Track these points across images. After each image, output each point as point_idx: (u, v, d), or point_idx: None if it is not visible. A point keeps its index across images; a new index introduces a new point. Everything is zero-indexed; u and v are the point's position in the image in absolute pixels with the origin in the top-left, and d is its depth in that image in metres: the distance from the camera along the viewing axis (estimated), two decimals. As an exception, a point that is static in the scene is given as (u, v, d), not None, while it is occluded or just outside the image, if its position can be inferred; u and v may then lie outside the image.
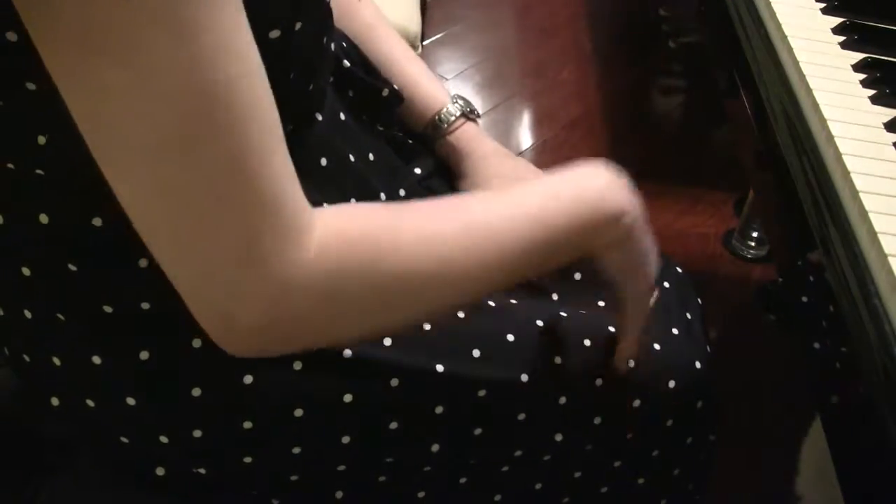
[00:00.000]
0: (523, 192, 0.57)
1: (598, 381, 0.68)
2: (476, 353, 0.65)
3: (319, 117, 0.61)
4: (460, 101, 0.78)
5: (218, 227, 0.44)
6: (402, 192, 0.70)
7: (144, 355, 0.57)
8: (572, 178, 0.58)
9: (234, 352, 0.49)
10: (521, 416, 0.66)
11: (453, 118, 0.77)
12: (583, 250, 0.58)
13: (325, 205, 0.59)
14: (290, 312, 0.47)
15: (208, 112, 0.41)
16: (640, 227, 0.59)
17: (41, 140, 0.48)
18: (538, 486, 0.71)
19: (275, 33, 0.50)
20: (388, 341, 0.62)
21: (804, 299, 0.66)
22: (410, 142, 0.77)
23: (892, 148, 0.67)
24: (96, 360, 0.57)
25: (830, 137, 0.66)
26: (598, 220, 0.57)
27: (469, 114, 0.78)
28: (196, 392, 0.58)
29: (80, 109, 0.41)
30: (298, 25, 0.52)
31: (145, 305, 0.56)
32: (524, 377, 0.66)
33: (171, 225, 0.44)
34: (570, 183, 0.57)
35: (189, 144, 0.42)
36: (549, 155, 1.88)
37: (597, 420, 0.68)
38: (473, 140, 0.77)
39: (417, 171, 0.74)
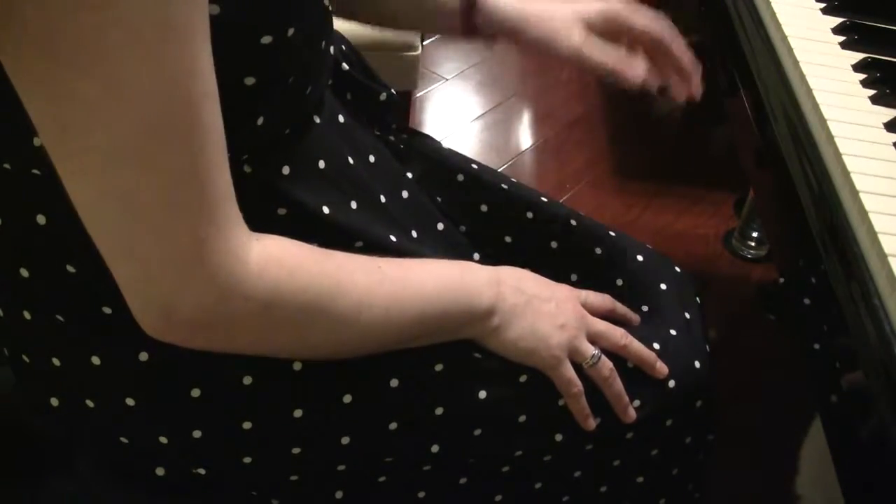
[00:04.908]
0: (428, 270, 0.62)
1: (598, 382, 0.68)
2: (476, 354, 0.65)
3: (317, 120, 0.61)
4: None
5: (169, 230, 0.46)
6: (405, 195, 0.70)
7: (144, 356, 0.57)
8: (463, 271, 0.63)
9: (164, 339, 0.52)
10: (522, 418, 0.66)
11: None
12: (456, 336, 0.63)
13: (324, 208, 0.60)
14: (228, 316, 0.51)
15: (169, 126, 0.44)
16: (507, 324, 0.64)
17: (37, 141, 0.48)
18: (538, 485, 0.71)
19: (266, 39, 0.50)
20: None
21: (804, 300, 0.66)
22: (402, 147, 0.77)
23: (892, 148, 0.66)
24: (95, 360, 0.57)
25: (830, 137, 0.65)
26: (467, 315, 0.62)
27: None
28: (195, 392, 0.58)
29: (42, 112, 0.43)
30: (291, 31, 0.52)
31: (144, 306, 0.56)
32: (524, 378, 0.66)
33: (124, 226, 0.46)
34: (459, 273, 0.63)
35: (148, 154, 0.44)
36: (549, 155, 1.88)
37: (596, 420, 0.68)
38: None
39: (409, 175, 0.74)
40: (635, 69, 0.72)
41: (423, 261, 0.63)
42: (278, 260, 0.52)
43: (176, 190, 0.46)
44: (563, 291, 0.69)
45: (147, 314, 0.50)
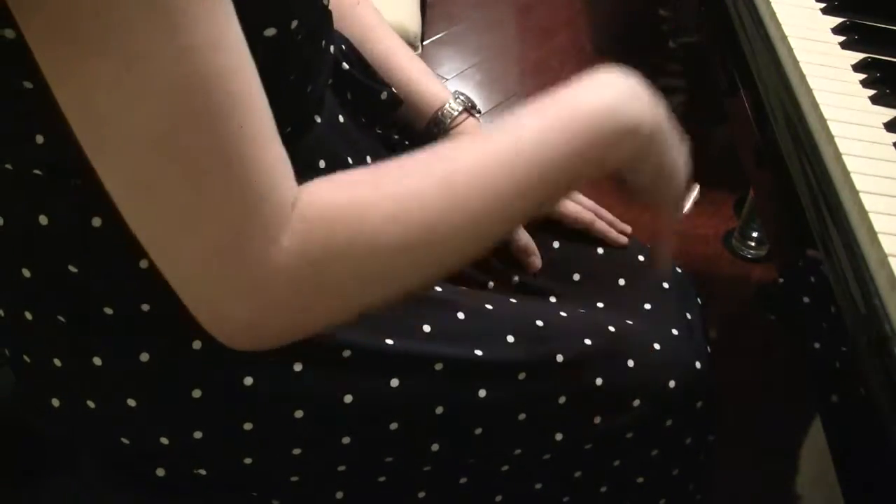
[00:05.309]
0: (516, 129, 0.52)
1: (599, 381, 0.68)
2: (477, 352, 0.65)
3: (318, 119, 0.61)
4: (462, 97, 0.78)
5: (200, 221, 0.44)
6: None
7: (145, 357, 0.57)
8: (578, 95, 0.54)
9: (232, 345, 0.49)
10: (522, 416, 0.66)
11: (456, 113, 0.77)
12: (601, 169, 0.55)
13: None
14: (278, 304, 0.46)
15: (195, 105, 0.41)
16: (661, 134, 0.56)
17: (39, 139, 0.48)
18: (538, 485, 0.71)
19: (270, 31, 0.50)
20: (389, 341, 0.62)
21: (804, 299, 0.66)
22: (407, 143, 0.77)
23: (892, 148, 0.66)
24: (97, 361, 0.57)
25: (830, 137, 0.65)
26: (611, 136, 0.53)
27: (471, 109, 0.78)
28: (196, 393, 0.58)
29: (70, 103, 0.41)
30: (294, 24, 0.52)
31: (145, 307, 0.56)
32: (524, 376, 0.66)
33: (157, 220, 0.44)
34: (574, 102, 0.54)
35: (175, 138, 0.42)
36: (549, 155, 1.88)
37: (596, 419, 0.68)
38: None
39: None
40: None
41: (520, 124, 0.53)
42: (326, 208, 0.47)
43: (204, 174, 0.43)
44: None
45: (205, 318, 0.47)
